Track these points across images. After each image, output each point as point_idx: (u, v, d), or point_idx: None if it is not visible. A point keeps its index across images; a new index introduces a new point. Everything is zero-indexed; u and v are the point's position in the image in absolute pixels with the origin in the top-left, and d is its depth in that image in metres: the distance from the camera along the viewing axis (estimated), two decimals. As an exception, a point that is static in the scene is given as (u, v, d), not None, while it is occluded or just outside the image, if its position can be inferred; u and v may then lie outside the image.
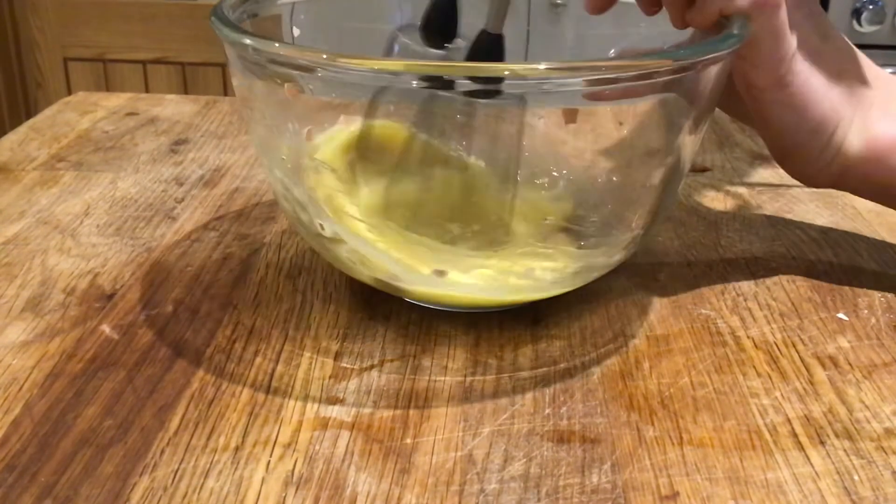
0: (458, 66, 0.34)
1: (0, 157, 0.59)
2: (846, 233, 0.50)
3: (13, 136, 0.63)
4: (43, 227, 0.49)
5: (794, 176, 0.44)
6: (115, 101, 0.72)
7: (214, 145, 0.63)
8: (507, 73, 0.31)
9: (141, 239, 0.48)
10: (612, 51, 0.48)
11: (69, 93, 0.75)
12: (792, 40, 0.39)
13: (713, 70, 0.36)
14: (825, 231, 0.51)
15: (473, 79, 0.32)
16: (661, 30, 0.42)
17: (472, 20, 0.48)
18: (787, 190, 0.56)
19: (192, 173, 0.57)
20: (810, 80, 0.41)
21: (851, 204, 0.54)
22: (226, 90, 1.67)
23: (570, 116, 0.41)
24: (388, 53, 0.48)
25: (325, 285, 0.43)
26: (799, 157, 0.43)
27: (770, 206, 0.54)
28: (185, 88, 1.68)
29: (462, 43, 0.46)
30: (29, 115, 0.69)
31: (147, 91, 1.68)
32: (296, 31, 0.47)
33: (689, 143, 0.39)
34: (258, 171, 0.58)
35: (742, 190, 0.56)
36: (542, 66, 0.31)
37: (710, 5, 0.38)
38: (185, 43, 1.65)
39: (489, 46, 0.42)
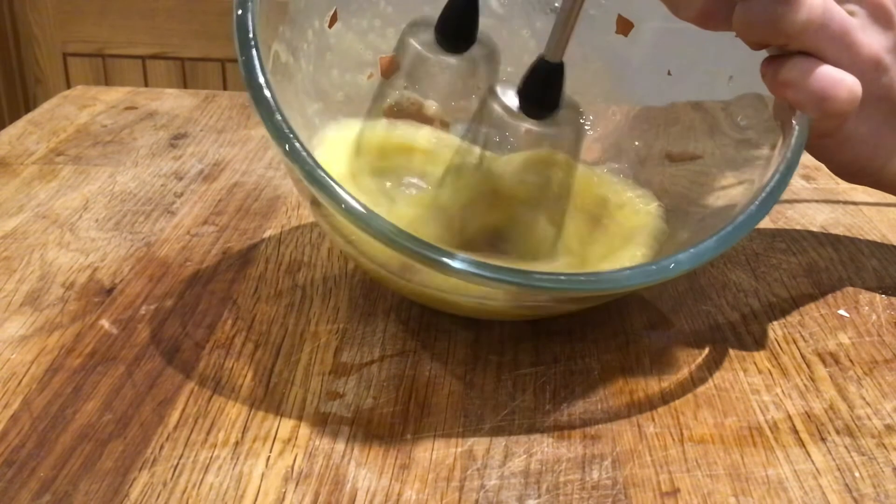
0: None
1: (-1, 151, 0.59)
2: (847, 229, 0.50)
3: (12, 130, 0.63)
4: (41, 222, 0.49)
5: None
6: (114, 95, 0.72)
7: (214, 139, 0.62)
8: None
9: (140, 233, 0.48)
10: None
11: (68, 88, 0.75)
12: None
13: None
14: (826, 227, 0.51)
15: None
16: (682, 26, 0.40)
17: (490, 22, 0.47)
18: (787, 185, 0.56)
19: (191, 168, 0.57)
20: (858, 130, 0.39)
21: (852, 200, 0.54)
22: (225, 85, 1.67)
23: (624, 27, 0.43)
24: (399, 54, 0.44)
25: (325, 280, 0.43)
26: (851, 176, 0.42)
27: (771, 202, 0.54)
28: (185, 84, 1.68)
29: (479, 51, 0.43)
30: (28, 111, 0.69)
31: (146, 87, 1.68)
32: None
33: None
34: (258, 165, 0.58)
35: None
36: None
37: (777, 93, 0.37)
38: (185, 38, 1.65)
39: (547, 75, 0.39)
